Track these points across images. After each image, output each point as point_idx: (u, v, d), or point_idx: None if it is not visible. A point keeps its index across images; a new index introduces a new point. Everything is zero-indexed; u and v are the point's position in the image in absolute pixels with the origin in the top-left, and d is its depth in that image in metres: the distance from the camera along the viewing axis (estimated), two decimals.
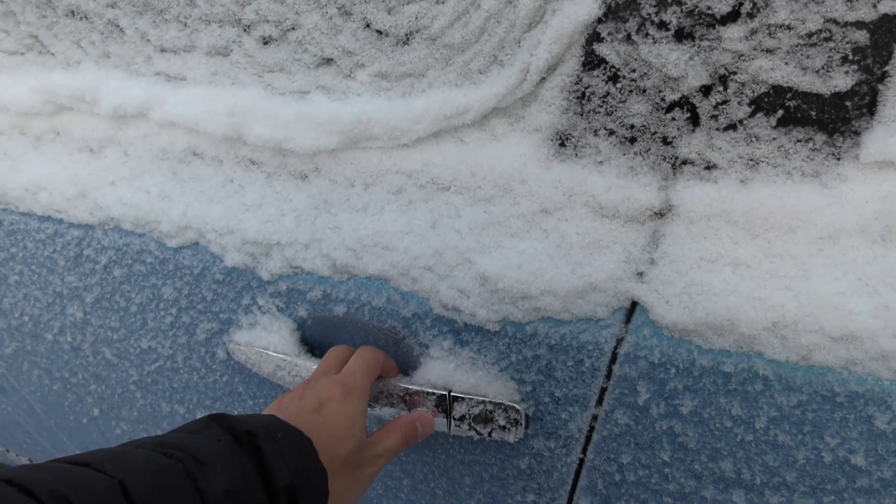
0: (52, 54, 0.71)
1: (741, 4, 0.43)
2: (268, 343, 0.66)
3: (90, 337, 0.82)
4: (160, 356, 0.78)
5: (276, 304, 0.65)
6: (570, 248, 0.51)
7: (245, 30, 0.59)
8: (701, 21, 0.45)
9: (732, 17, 0.44)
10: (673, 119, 0.47)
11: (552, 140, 0.52)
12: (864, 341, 0.43)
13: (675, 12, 0.45)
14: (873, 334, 0.43)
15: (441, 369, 0.58)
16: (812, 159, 0.45)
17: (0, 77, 0.74)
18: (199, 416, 0.81)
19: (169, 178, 0.67)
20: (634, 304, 0.51)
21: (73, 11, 0.67)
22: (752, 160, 0.47)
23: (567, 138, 0.52)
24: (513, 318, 0.54)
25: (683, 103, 0.47)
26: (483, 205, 0.55)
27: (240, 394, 0.75)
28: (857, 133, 0.44)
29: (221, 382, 0.75)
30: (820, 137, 0.45)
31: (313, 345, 0.66)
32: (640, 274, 0.50)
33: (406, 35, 0.53)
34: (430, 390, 0.58)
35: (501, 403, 0.57)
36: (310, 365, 0.64)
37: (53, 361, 0.90)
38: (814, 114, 0.44)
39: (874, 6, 0.41)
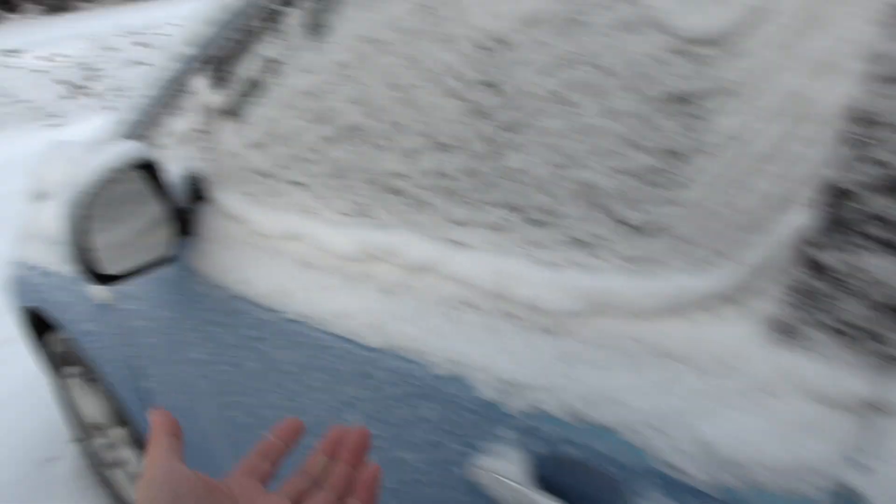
0: (372, 218, 0.94)
1: None
2: (505, 471, 0.77)
3: None
4: (411, 468, 0.92)
5: (517, 438, 0.76)
6: (784, 426, 0.57)
7: (519, 213, 0.75)
8: None
9: None
10: (882, 318, 0.52)
11: (771, 327, 0.59)
12: None
13: (879, 226, 0.51)
14: None
15: None
16: None
17: (334, 230, 0.99)
18: None
19: (444, 320, 0.84)
20: (843, 488, 0.54)
21: (394, 190, 0.90)
22: None
23: (784, 326, 0.58)
24: (724, 482, 0.59)
25: (892, 306, 0.52)
26: (705, 376, 0.62)
27: None
28: None
29: (460, 501, 0.87)
30: None
31: (544, 479, 0.75)
32: (852, 460, 0.54)
33: (652, 229, 0.65)
34: None
35: None
36: (537, 497, 0.73)
37: None
38: None
39: None
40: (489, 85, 0.74)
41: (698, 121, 0.60)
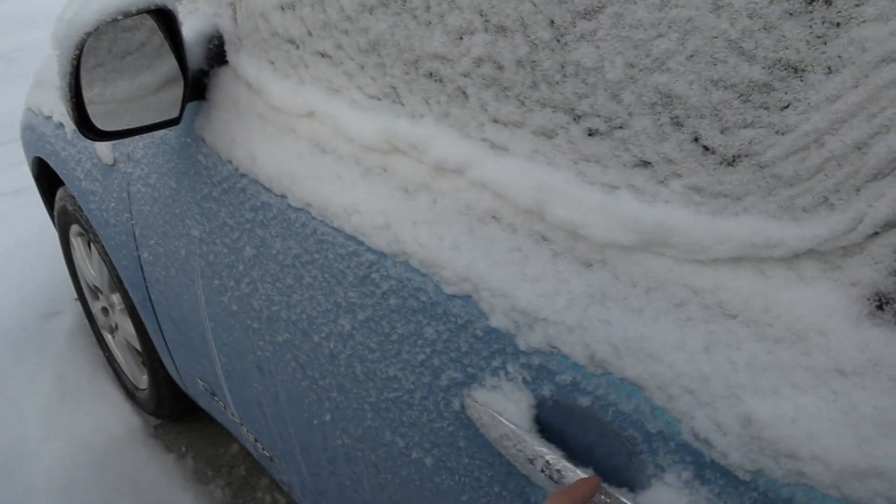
0: (403, 105, 0.82)
1: None
2: (503, 409, 0.67)
3: (349, 350, 0.91)
4: (401, 388, 0.83)
5: (523, 376, 0.67)
6: (861, 421, 0.46)
7: (575, 119, 0.63)
8: None
9: None
10: None
11: (869, 299, 0.48)
12: None
13: None
14: None
15: (672, 499, 0.55)
16: None
17: (357, 113, 0.87)
18: (414, 455, 0.85)
19: (464, 231, 0.73)
20: None
21: (431, 74, 0.77)
22: None
23: (888, 302, 0.47)
24: (769, 473, 0.49)
25: None
26: (769, 344, 0.52)
27: (459, 448, 0.77)
28: None
29: (446, 431, 0.78)
30: None
31: (546, 425, 0.66)
32: None
33: (733, 157, 0.53)
34: None
35: None
36: (531, 441, 0.64)
37: (311, 361, 1.01)
38: None
39: None
40: None
41: (834, 28, 0.47)
